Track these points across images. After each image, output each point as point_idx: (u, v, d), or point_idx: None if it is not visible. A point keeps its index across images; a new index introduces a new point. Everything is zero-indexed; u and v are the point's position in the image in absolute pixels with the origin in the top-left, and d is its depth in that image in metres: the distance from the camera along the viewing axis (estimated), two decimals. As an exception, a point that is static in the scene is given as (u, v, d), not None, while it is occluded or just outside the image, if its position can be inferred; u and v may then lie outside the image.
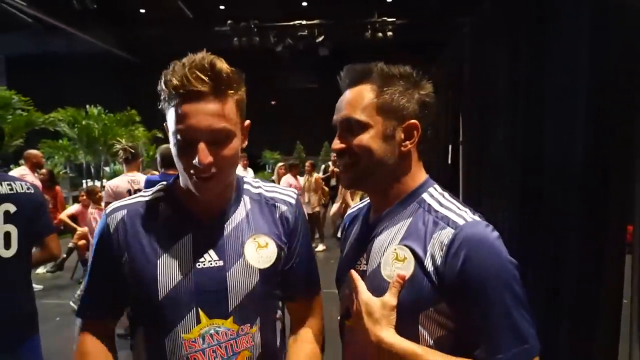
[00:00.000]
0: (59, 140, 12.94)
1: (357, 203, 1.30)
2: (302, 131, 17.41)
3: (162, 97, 0.97)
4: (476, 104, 3.41)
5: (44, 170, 7.23)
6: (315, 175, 8.13)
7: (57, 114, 11.87)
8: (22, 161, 6.23)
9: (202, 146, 0.93)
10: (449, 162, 4.45)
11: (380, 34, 13.43)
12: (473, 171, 3.55)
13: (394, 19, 13.35)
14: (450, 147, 4.45)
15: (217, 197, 1.04)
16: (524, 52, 2.36)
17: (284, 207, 1.14)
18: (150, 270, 0.99)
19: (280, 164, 8.35)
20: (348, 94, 1.02)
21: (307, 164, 8.34)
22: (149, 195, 1.09)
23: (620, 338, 1.63)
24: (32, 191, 2.13)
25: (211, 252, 1.02)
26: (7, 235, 2.01)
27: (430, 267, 0.90)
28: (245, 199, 1.12)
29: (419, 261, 0.92)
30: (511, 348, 0.85)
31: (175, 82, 0.92)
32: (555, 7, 2.03)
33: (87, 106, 12.62)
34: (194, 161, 0.93)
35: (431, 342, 0.92)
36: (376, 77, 1.00)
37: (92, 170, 13.27)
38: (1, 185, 2.02)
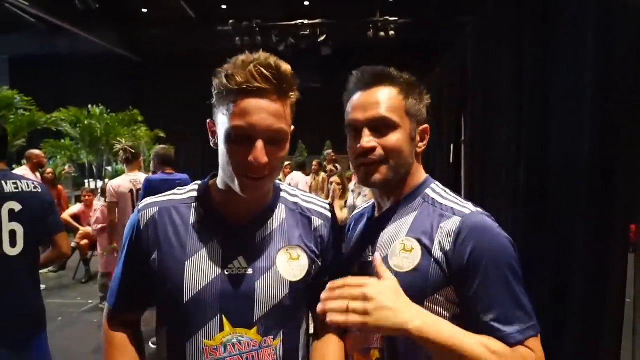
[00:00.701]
0: (62, 140, 12.96)
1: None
2: (304, 130, 17.37)
3: (216, 92, 0.94)
4: (479, 104, 3.40)
5: (49, 170, 7.25)
6: (322, 174, 8.14)
7: (59, 114, 11.87)
8: (24, 161, 6.24)
9: (260, 144, 0.91)
10: (451, 161, 4.43)
11: (382, 34, 13.38)
12: (476, 171, 3.54)
13: (397, 18, 13.30)
14: (452, 146, 4.43)
15: (255, 201, 1.03)
16: (528, 52, 2.35)
17: (319, 222, 1.11)
18: (177, 271, 0.97)
19: (286, 162, 8.31)
20: (375, 94, 1.03)
21: (314, 163, 8.35)
22: (182, 194, 1.07)
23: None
24: (39, 190, 2.14)
25: (240, 258, 1.00)
26: (13, 234, 2.03)
27: (438, 254, 0.95)
28: (281, 207, 1.09)
29: (426, 250, 0.97)
30: (521, 323, 0.90)
31: (239, 78, 0.90)
32: (560, 6, 2.02)
33: (90, 106, 12.62)
34: (249, 158, 0.91)
35: None
36: (401, 82, 1.05)
37: (95, 169, 13.28)
38: (6, 184, 2.04)
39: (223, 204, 1.03)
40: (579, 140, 1.82)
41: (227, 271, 0.98)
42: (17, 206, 2.04)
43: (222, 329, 0.97)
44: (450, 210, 0.99)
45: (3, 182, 2.03)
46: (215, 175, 1.07)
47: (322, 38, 13.77)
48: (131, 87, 16.61)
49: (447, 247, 0.94)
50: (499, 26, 2.88)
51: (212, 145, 1.00)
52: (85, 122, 12.13)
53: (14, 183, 2.06)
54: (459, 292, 0.94)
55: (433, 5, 12.84)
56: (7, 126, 10.29)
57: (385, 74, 1.06)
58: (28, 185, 2.10)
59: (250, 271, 0.99)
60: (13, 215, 2.03)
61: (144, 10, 14.57)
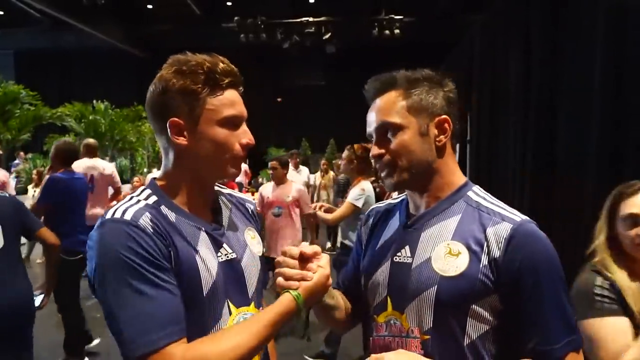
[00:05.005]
0: (66, 135, 12.98)
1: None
2: (308, 128, 17.36)
3: (193, 88, 1.01)
4: (485, 103, 3.38)
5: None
6: (331, 173, 8.20)
7: (64, 109, 11.91)
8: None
9: (246, 127, 1.06)
10: (456, 161, 4.42)
11: (387, 32, 13.33)
12: (481, 170, 3.52)
13: (402, 17, 13.25)
14: (457, 146, 4.42)
15: (211, 194, 1.14)
16: (535, 51, 2.33)
17: (251, 207, 1.29)
18: (193, 268, 0.98)
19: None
20: (377, 103, 1.08)
21: (322, 162, 8.51)
22: (144, 199, 1.02)
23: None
24: (6, 195, 2.46)
25: (225, 246, 1.07)
26: None
27: (487, 260, 0.95)
28: (223, 199, 1.18)
29: (474, 255, 0.97)
30: (564, 338, 0.93)
31: (225, 75, 1.02)
32: (569, 5, 2.00)
33: (94, 101, 12.66)
34: (244, 141, 1.04)
35: (478, 334, 0.97)
36: (401, 82, 1.06)
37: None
38: None
39: (184, 204, 1.07)
40: (586, 141, 1.80)
41: (220, 259, 1.05)
42: None
43: (230, 313, 1.04)
44: (499, 216, 0.99)
45: None
46: (155, 181, 1.10)
47: (327, 36, 13.74)
48: (136, 83, 16.63)
49: (497, 253, 0.95)
50: (506, 25, 2.85)
51: (177, 142, 1.00)
52: (90, 118, 12.16)
53: None
54: (505, 300, 0.95)
55: (439, 4, 12.79)
56: (12, 121, 10.38)
57: (384, 81, 1.07)
58: None
59: (234, 255, 1.08)
60: None
61: (149, 6, 14.60)
